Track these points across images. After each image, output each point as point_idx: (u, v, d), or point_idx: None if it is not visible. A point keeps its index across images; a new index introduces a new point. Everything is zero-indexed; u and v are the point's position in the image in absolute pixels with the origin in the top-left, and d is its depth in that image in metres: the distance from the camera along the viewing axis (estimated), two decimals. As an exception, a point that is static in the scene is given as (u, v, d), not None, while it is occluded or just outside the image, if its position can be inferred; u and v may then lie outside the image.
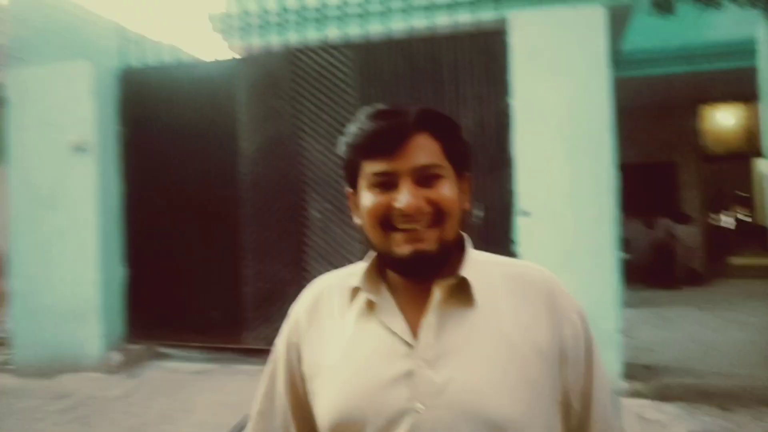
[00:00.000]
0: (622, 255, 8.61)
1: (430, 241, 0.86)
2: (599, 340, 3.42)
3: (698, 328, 4.97)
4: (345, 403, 0.86)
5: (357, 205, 0.95)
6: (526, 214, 4.02)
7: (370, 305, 0.91)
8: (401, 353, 0.85)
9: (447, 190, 0.87)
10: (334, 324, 0.94)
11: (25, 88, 5.21)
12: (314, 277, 3.99)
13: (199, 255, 5.01)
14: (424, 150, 0.87)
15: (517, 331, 0.87)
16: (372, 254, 0.95)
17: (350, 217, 3.62)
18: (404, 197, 0.84)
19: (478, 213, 4.39)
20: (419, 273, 0.89)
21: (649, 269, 7.90)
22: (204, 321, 4.96)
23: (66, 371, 4.70)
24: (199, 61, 5.87)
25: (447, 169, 0.89)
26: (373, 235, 0.90)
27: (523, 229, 4.05)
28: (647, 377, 3.73)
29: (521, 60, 4.09)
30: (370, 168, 0.88)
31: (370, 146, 0.88)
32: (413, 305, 0.89)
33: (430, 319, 0.86)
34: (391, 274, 0.93)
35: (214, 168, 5.04)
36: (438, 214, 0.86)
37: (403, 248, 0.86)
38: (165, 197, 5.12)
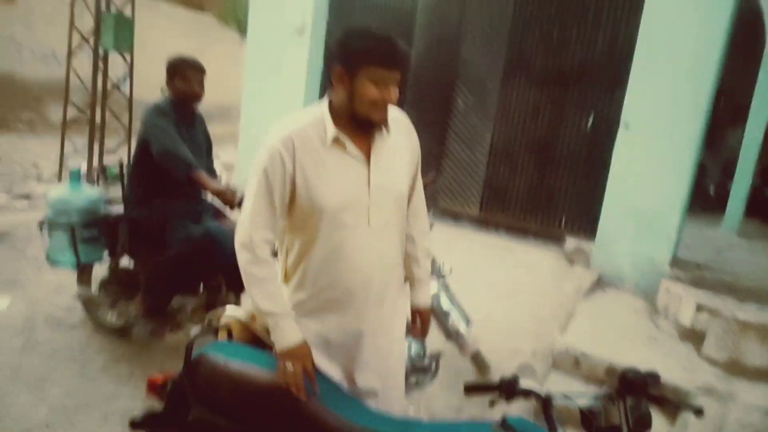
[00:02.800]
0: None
1: (386, 114, 1.63)
2: (662, 235, 4.69)
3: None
4: (341, 193, 1.61)
5: (344, 81, 1.58)
6: (626, 126, 4.90)
7: (339, 144, 1.61)
8: (362, 168, 1.64)
9: (397, 93, 1.60)
10: (317, 155, 1.60)
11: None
12: (453, 152, 5.94)
13: (370, 124, 6.66)
14: (399, 73, 1.59)
15: (405, 149, 1.76)
16: (322, 110, 1.64)
17: (486, 108, 5.56)
18: (394, 96, 1.59)
19: (589, 120, 5.37)
20: (376, 129, 1.64)
21: None
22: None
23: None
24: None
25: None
26: (362, 105, 1.57)
27: (621, 137, 4.93)
28: (691, 270, 4.65)
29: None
30: (379, 72, 1.54)
31: (384, 61, 1.55)
32: (358, 141, 1.64)
33: (376, 149, 1.66)
34: (343, 126, 1.62)
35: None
36: (391, 104, 1.62)
37: (377, 116, 1.60)
38: (351, 76, 6.75)
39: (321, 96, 6.97)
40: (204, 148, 3.39)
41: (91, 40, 7.41)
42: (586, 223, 5.39)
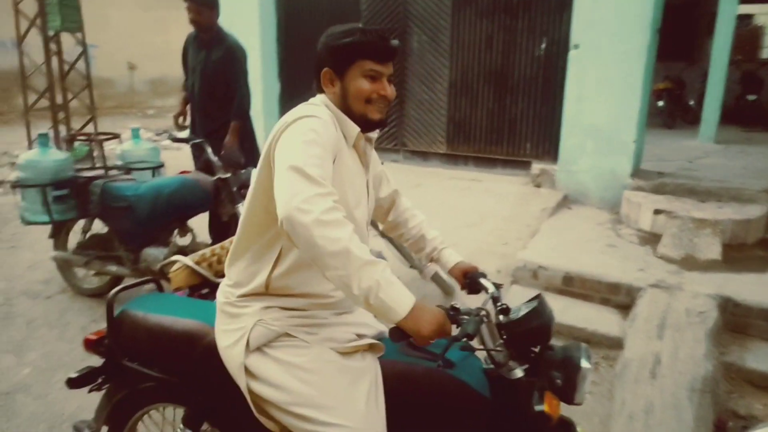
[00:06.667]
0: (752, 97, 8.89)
1: (385, 114, 1.47)
2: (620, 148, 4.58)
3: (755, 159, 5.72)
4: (349, 185, 1.41)
5: (332, 82, 1.44)
6: (576, 46, 4.93)
7: (358, 146, 1.48)
8: (363, 177, 1.51)
9: (394, 90, 1.47)
10: (343, 144, 1.42)
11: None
12: (413, 93, 5.99)
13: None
14: (391, 66, 1.46)
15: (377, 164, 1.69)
16: (325, 106, 1.44)
17: (441, 45, 5.61)
18: (390, 90, 1.44)
19: (542, 46, 5.37)
20: (375, 130, 1.49)
21: None
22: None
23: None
24: None
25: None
26: (357, 103, 1.41)
27: (572, 58, 4.97)
28: (653, 179, 4.75)
29: None
30: (369, 65, 1.40)
31: (375, 53, 1.40)
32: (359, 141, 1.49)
33: (372, 163, 1.57)
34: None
35: (340, 3, 6.44)
36: (390, 102, 1.47)
37: (376, 115, 1.44)
38: (305, 29, 6.70)
39: (279, 54, 6.93)
40: (208, 73, 3.78)
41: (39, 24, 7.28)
42: (550, 146, 5.45)
